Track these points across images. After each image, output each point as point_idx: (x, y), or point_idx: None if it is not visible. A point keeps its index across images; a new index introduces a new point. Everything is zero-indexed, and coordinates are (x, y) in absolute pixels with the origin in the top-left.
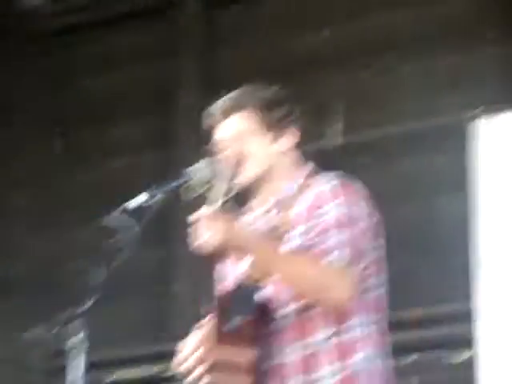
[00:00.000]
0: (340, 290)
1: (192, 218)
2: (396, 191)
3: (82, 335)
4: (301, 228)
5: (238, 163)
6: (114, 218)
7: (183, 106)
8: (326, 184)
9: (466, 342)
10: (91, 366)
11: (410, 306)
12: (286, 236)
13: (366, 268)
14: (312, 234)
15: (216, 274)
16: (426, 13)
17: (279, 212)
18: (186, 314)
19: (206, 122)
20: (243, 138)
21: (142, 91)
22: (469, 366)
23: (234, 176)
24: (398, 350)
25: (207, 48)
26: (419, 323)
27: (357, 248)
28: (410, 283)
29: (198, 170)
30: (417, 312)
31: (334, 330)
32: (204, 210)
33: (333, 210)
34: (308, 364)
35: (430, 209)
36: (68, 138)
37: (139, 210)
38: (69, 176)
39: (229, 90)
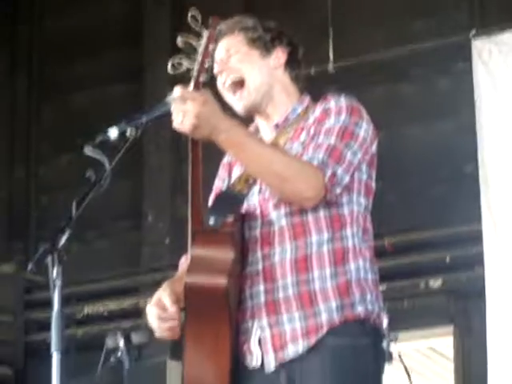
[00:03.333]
0: (302, 183)
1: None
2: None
3: (56, 270)
4: (302, 137)
5: (237, 84)
6: (87, 151)
7: (151, 40)
8: (334, 102)
9: (442, 268)
10: (64, 301)
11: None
12: (288, 146)
13: (350, 182)
14: (307, 140)
15: (218, 176)
16: None
17: (281, 131)
18: (159, 247)
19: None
20: (236, 60)
21: (108, 26)
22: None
23: (208, 55)
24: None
25: None
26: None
27: (338, 156)
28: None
29: (170, 103)
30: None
31: (326, 236)
32: (176, 91)
33: (331, 121)
34: (298, 266)
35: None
36: (32, 75)
37: (110, 144)
38: (35, 112)
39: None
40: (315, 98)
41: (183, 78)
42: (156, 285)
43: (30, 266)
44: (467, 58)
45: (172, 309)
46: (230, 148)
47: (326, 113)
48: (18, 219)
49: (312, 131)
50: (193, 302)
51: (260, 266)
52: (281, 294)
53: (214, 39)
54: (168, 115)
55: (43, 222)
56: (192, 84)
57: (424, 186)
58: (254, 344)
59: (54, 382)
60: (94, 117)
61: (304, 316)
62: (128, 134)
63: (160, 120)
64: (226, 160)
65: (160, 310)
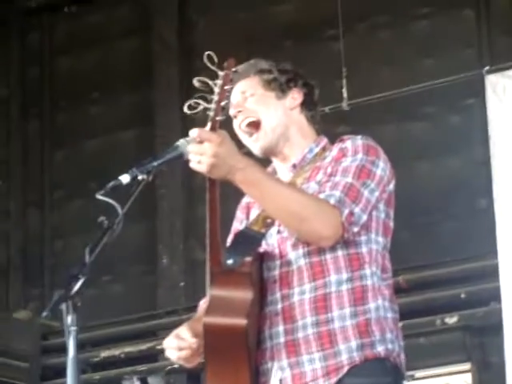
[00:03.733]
0: (319, 223)
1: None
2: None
3: (71, 317)
4: (319, 176)
5: (253, 125)
6: (100, 197)
7: (161, 83)
8: (351, 142)
9: (457, 304)
10: (80, 346)
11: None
12: (305, 186)
13: (368, 220)
14: (324, 179)
15: (236, 217)
16: None
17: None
18: (174, 290)
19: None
20: (252, 102)
21: (117, 71)
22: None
23: (225, 96)
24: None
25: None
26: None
27: (356, 195)
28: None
29: (180, 147)
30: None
31: (345, 276)
32: (194, 132)
33: (348, 160)
34: (318, 306)
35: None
36: (43, 121)
37: (122, 189)
38: (47, 158)
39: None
40: (330, 137)
41: (194, 121)
42: (172, 328)
43: (44, 313)
44: (478, 94)
45: (191, 340)
46: (247, 187)
47: (342, 152)
48: (33, 265)
49: (329, 170)
50: (212, 342)
51: (279, 307)
52: (300, 334)
53: (230, 80)
54: (179, 158)
55: (58, 268)
56: (209, 124)
57: (437, 222)
58: None
59: None
60: (107, 161)
61: (324, 356)
62: (140, 178)
63: (172, 163)
64: (244, 201)
65: (178, 340)
